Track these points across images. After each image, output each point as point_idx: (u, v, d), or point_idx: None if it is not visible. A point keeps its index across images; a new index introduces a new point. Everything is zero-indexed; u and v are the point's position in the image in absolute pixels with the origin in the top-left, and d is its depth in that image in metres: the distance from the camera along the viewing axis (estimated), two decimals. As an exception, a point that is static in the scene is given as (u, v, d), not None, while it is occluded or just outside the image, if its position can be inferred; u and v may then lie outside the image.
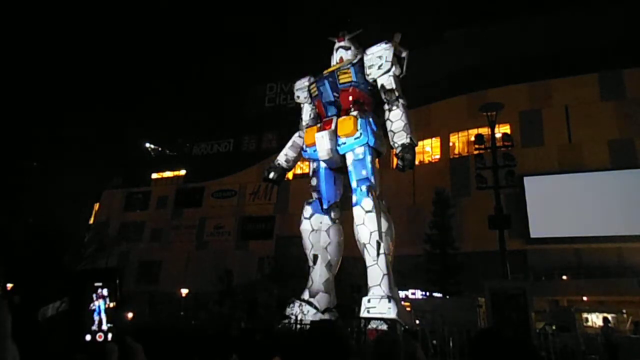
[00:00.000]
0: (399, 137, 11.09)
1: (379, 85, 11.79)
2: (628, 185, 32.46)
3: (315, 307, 11.40)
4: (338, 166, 12.23)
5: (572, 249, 33.48)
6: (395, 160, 11.57)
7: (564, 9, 41.20)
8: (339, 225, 12.38)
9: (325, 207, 12.34)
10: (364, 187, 11.15)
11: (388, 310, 9.93)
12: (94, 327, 2.40)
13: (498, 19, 44.64)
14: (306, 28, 70.38)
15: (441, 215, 30.92)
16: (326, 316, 11.24)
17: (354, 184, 11.45)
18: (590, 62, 36.04)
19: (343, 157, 11.85)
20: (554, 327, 21.44)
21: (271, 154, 32.25)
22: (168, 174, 60.40)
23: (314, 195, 12.60)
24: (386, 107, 11.60)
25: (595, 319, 27.90)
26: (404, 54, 12.00)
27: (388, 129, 11.40)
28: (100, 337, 2.39)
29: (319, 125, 12.33)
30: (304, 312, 11.26)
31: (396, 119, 11.27)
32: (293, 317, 11.17)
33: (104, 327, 2.40)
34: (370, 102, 12.13)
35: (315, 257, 12.01)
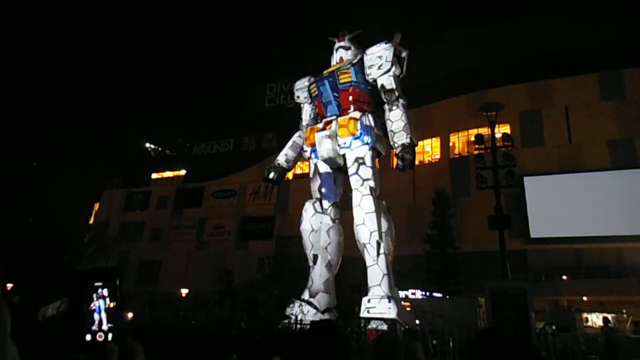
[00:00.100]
0: (399, 137, 11.10)
1: (379, 85, 11.79)
2: (628, 185, 32.44)
3: (315, 307, 11.40)
4: (338, 166, 12.23)
5: (572, 249, 33.46)
6: (395, 160, 11.58)
7: (564, 9, 41.19)
8: (339, 225, 12.38)
9: (325, 207, 12.34)
10: (364, 188, 11.15)
11: (388, 310, 9.93)
12: (94, 327, 2.40)
13: (498, 19, 44.61)
14: (306, 28, 70.41)
15: (441, 215, 30.93)
16: (326, 316, 11.24)
17: (354, 184, 11.45)
18: (590, 62, 36.01)
19: (343, 157, 11.87)
20: (554, 327, 21.46)
21: (271, 154, 32.25)
22: (168, 174, 60.40)
23: (314, 195, 12.61)
24: (386, 107, 11.61)
25: (595, 319, 27.95)
26: (404, 54, 12.01)
27: (388, 129, 11.41)
28: (100, 337, 2.39)
29: (319, 125, 12.34)
30: (304, 312, 11.26)
31: (396, 119, 11.28)
32: (293, 317, 11.17)
33: (104, 327, 2.40)
34: (370, 102, 12.13)
35: (315, 257, 12.01)
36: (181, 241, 51.43)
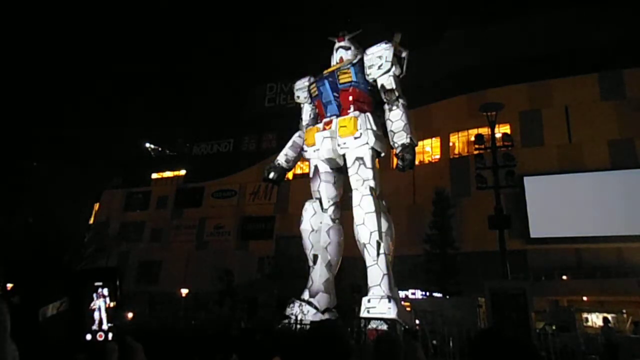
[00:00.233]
0: (399, 137, 11.09)
1: (379, 85, 11.79)
2: (628, 185, 32.45)
3: (315, 307, 11.39)
4: (338, 166, 12.24)
5: (572, 249, 33.47)
6: (395, 160, 11.58)
7: (563, 9, 41.19)
8: (339, 225, 12.37)
9: (325, 207, 12.34)
10: (364, 188, 11.15)
11: (388, 310, 9.92)
12: (94, 327, 2.40)
13: (498, 19, 44.60)
14: (306, 28, 70.42)
15: (441, 215, 30.94)
16: (326, 316, 11.23)
17: (354, 184, 11.45)
18: (590, 62, 36.03)
19: (343, 157, 11.87)
20: (554, 327, 21.48)
21: (271, 154, 32.25)
22: (168, 174, 60.40)
23: (314, 195, 12.61)
24: (386, 107, 11.61)
25: (595, 319, 27.96)
26: (404, 54, 12.01)
27: (388, 129, 11.41)
28: (100, 336, 2.39)
29: (319, 125, 12.35)
30: (304, 312, 11.25)
31: (396, 119, 11.28)
32: (293, 317, 11.16)
33: (105, 326, 2.40)
34: (370, 102, 12.13)
35: (315, 257, 12.01)
36: (181, 241, 51.43)
